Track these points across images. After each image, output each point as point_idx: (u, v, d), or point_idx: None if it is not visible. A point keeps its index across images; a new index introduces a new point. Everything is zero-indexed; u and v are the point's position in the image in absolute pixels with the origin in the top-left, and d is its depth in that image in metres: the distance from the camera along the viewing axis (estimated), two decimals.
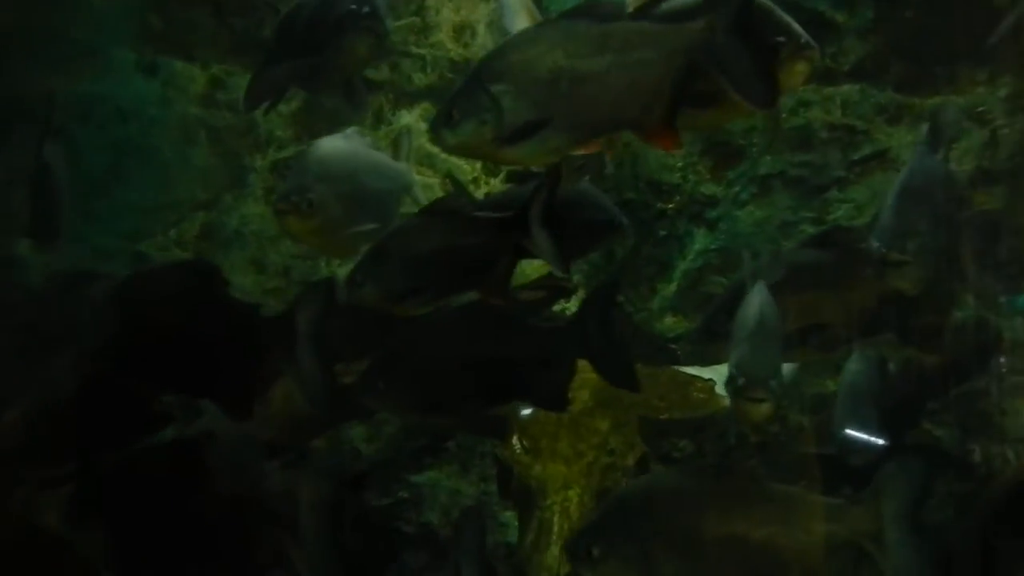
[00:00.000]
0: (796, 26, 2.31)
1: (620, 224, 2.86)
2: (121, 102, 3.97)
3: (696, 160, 4.05)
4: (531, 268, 3.91)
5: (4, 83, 3.43)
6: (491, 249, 2.38)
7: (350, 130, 3.03)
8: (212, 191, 4.07)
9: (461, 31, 4.00)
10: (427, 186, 3.97)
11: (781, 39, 2.25)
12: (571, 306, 3.91)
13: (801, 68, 2.26)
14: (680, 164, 4.06)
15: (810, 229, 4.00)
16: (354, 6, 2.75)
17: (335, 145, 2.93)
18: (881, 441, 3.03)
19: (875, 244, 2.65)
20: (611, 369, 2.49)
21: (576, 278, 3.93)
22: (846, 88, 3.93)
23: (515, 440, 3.12)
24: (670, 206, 4.05)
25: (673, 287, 3.99)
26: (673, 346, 3.83)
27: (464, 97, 2.14)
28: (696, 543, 2.28)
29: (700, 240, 4.00)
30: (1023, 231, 3.25)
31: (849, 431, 3.03)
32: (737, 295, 2.71)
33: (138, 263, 3.81)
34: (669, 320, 3.94)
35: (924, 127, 3.10)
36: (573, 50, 2.07)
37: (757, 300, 2.43)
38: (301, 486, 2.62)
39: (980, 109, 3.75)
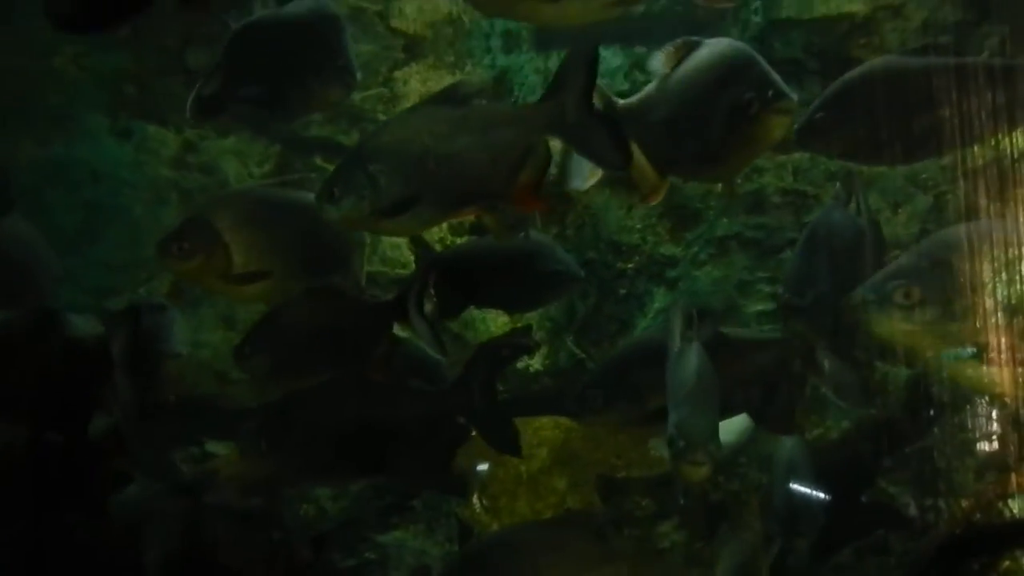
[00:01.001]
0: (772, 77, 2.42)
1: (576, 275, 2.99)
2: (93, 164, 4.06)
3: (655, 222, 4.19)
4: (496, 325, 4.03)
5: None
6: (374, 329, 2.59)
7: (288, 177, 3.08)
8: None
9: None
10: (395, 245, 4.08)
11: (750, 95, 2.37)
12: (534, 363, 4.01)
13: (777, 122, 2.36)
14: (639, 226, 4.20)
15: (766, 288, 4.15)
16: (326, 55, 2.76)
17: (251, 191, 2.96)
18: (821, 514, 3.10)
19: (780, 291, 2.74)
20: (492, 432, 2.61)
21: (540, 335, 4.04)
22: (797, 156, 4.10)
23: (475, 499, 3.18)
24: (630, 266, 4.17)
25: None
26: None
27: (344, 175, 2.35)
28: None
29: (660, 299, 4.11)
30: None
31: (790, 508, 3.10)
32: (612, 369, 2.79)
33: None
34: None
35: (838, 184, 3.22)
36: (439, 132, 2.31)
37: (695, 361, 2.48)
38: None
39: (924, 176, 3.92)
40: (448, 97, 2.41)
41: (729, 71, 2.47)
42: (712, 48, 2.61)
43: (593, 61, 2.32)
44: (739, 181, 4.11)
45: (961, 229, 2.32)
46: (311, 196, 2.68)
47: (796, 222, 4.15)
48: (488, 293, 3.00)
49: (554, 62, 4.23)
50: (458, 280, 2.94)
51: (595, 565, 2.39)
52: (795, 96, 2.48)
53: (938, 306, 1.98)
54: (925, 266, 2.06)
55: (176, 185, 4.16)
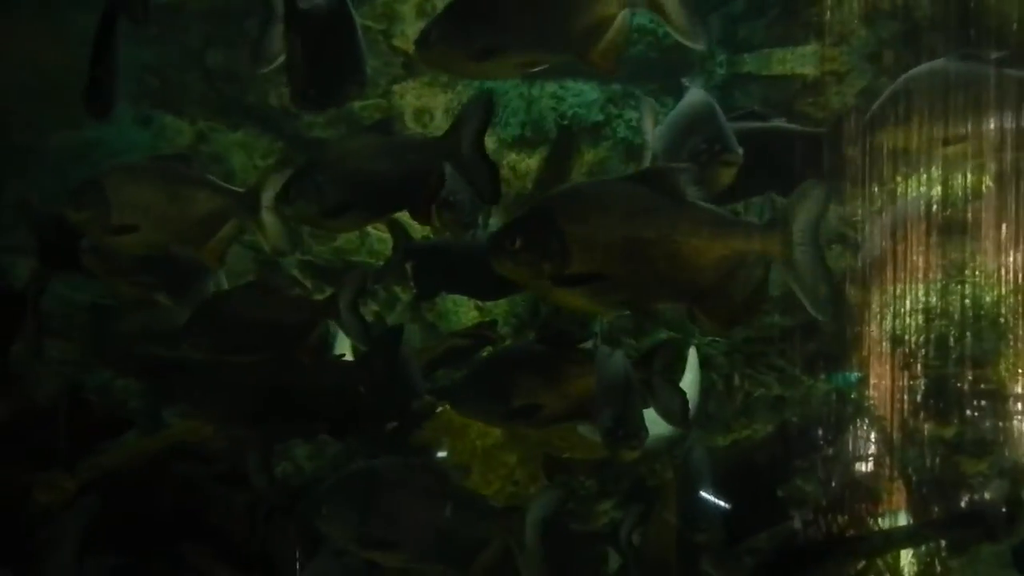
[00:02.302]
0: (723, 132, 2.87)
1: None
2: (115, 148, 4.48)
3: None
4: (467, 318, 4.50)
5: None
6: (308, 322, 3.11)
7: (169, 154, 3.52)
8: None
9: (421, 114, 4.62)
10: (382, 239, 4.53)
11: (703, 146, 2.84)
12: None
13: (722, 172, 2.81)
14: None
15: None
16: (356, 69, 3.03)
17: (135, 164, 3.38)
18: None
19: None
20: (387, 404, 3.08)
21: (504, 330, 4.51)
22: None
23: None
24: None
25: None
26: None
27: (298, 182, 2.92)
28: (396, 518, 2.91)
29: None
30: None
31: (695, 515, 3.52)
32: (483, 371, 3.18)
33: None
34: None
35: None
36: (369, 154, 2.92)
37: (622, 363, 2.89)
38: None
39: (855, 219, 4.44)
40: (381, 127, 3.03)
41: (693, 121, 2.97)
42: (691, 97, 3.13)
43: (489, 108, 2.89)
44: None
45: (560, 190, 2.83)
46: (183, 169, 3.18)
47: None
48: (458, 282, 3.48)
49: (536, 88, 4.74)
50: (433, 269, 3.43)
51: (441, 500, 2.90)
52: (740, 151, 2.88)
53: (532, 251, 2.49)
54: (528, 219, 2.58)
55: None
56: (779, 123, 3.32)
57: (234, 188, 3.18)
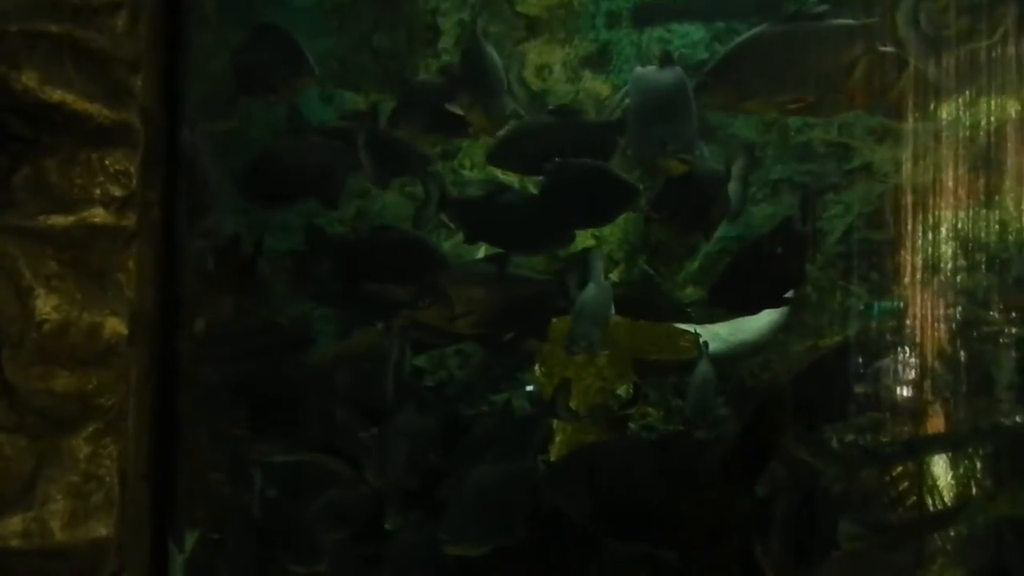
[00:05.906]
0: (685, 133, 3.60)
1: (637, 191, 4.13)
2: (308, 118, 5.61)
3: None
4: (586, 244, 5.20)
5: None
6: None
7: None
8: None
9: (541, 69, 5.35)
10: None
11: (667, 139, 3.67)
12: (613, 276, 5.18)
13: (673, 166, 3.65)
14: None
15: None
16: None
17: None
18: None
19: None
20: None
21: (619, 255, 5.19)
22: (843, 114, 4.91)
23: (536, 367, 4.49)
24: None
25: (696, 265, 5.16)
26: (689, 309, 5.03)
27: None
28: None
29: (721, 230, 5.10)
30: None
31: None
32: (435, 284, 3.87)
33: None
34: (690, 290, 5.12)
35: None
36: None
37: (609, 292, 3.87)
38: None
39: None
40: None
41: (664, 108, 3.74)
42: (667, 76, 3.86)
43: None
44: (792, 133, 5.02)
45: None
46: None
47: (838, 169, 4.99)
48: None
49: (646, 37, 5.27)
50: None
51: None
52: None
53: None
54: None
55: None
56: None
57: None
